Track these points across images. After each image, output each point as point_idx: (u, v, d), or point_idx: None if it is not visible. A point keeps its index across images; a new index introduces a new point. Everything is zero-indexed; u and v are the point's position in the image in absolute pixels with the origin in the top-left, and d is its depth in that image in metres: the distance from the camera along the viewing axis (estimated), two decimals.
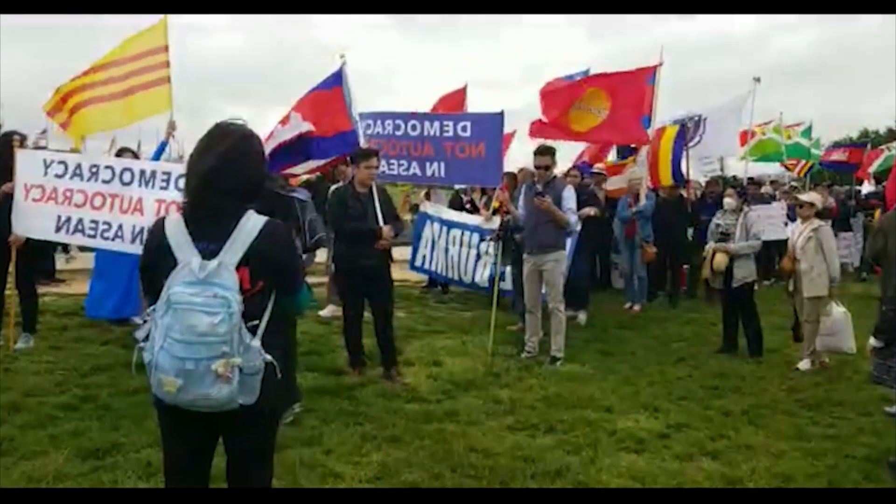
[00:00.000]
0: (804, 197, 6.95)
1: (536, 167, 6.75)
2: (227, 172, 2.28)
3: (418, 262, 9.86)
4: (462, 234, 9.20)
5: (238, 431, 2.35)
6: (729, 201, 7.26)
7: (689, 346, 7.50)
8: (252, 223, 2.30)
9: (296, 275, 2.50)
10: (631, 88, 9.24)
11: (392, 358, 5.80)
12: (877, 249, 5.95)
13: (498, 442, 4.50)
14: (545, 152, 6.67)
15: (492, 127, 6.87)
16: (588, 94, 9.30)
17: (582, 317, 8.54)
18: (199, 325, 2.09)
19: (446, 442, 4.43)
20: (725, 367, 6.62)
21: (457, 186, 10.66)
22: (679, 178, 10.11)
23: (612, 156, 11.89)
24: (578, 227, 8.13)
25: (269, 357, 2.26)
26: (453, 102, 10.80)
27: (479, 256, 8.68)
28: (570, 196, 6.67)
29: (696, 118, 11.05)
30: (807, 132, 16.44)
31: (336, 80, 6.47)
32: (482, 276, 8.60)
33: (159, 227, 2.35)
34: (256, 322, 2.28)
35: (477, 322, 8.13)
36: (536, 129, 9.57)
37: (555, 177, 6.86)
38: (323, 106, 6.44)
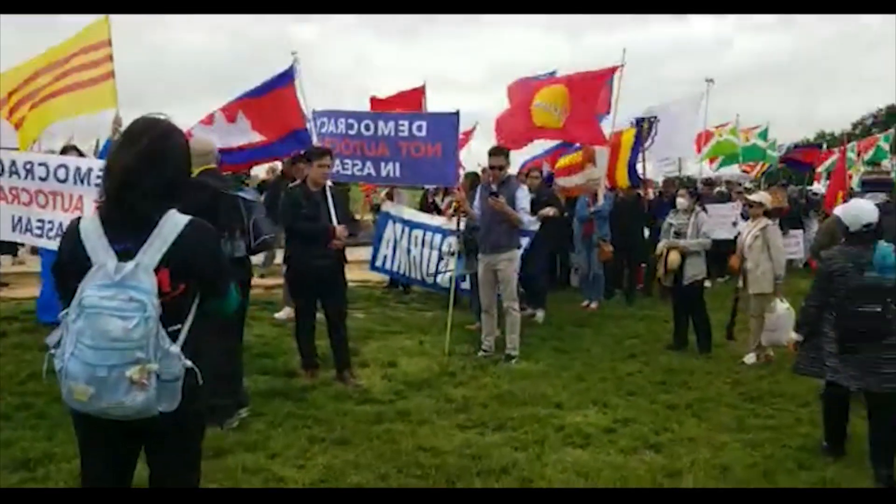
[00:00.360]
0: (753, 197, 7.13)
1: (490, 167, 6.82)
2: (145, 171, 2.22)
3: (379, 263, 9.85)
4: (424, 234, 9.24)
5: (159, 439, 2.28)
6: (681, 201, 7.42)
7: (642, 342, 7.63)
8: (172, 223, 2.24)
9: (221, 277, 2.44)
10: (590, 89, 9.40)
11: (345, 359, 5.80)
12: (822, 245, 6.14)
13: (447, 440, 4.55)
14: (499, 152, 6.75)
15: (447, 127, 6.92)
16: (548, 91, 9.43)
17: (540, 315, 8.65)
18: (113, 330, 2.03)
19: (395, 442, 4.46)
20: (675, 362, 6.76)
21: (427, 187, 10.70)
22: (635, 180, 10.29)
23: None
24: (536, 227, 8.24)
25: (188, 363, 2.19)
26: (410, 101, 10.80)
27: (440, 257, 8.72)
28: (523, 196, 6.75)
29: (652, 118, 11.24)
30: (763, 134, 16.82)
31: (288, 78, 6.46)
32: (443, 276, 8.64)
33: (73, 227, 2.27)
34: (178, 326, 2.23)
35: (436, 322, 8.16)
36: (504, 135, 9.68)
37: (509, 177, 6.93)
38: (275, 107, 6.42)
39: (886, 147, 16.28)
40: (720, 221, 10.03)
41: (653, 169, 12.54)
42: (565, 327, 8.27)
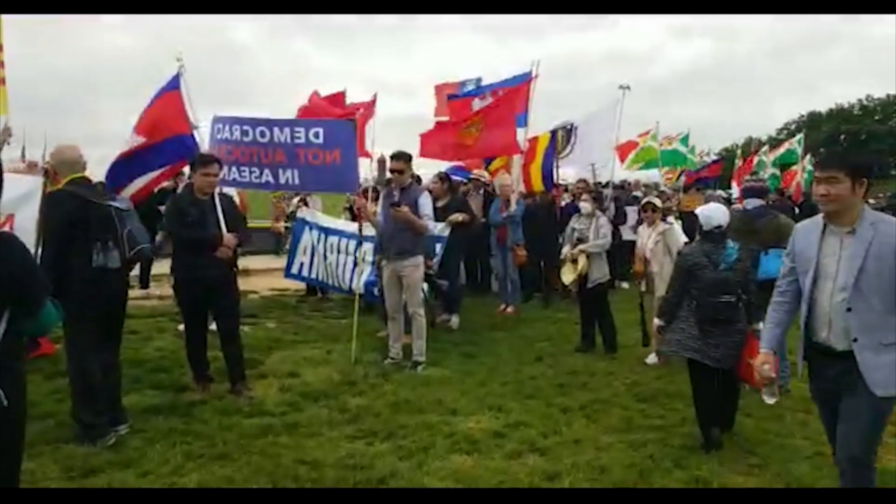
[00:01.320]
0: (653, 201, 7.27)
1: (391, 171, 6.78)
2: None
3: (295, 270, 9.74)
4: (339, 240, 9.17)
5: None
6: (584, 206, 7.52)
7: (552, 345, 7.71)
8: None
9: (31, 293, 2.34)
10: (505, 102, 9.52)
11: (239, 372, 5.67)
12: None
13: (332, 452, 4.48)
14: (399, 157, 6.71)
15: (345, 134, 6.86)
16: (477, 117, 9.57)
17: (455, 320, 8.65)
18: None
19: (277, 456, 4.37)
20: (580, 364, 6.84)
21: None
22: (549, 185, 10.42)
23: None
24: (446, 232, 8.26)
25: None
26: (329, 106, 10.68)
27: (355, 263, 8.64)
28: (425, 202, 6.73)
29: (569, 127, 11.40)
30: (684, 139, 17.30)
31: (174, 84, 6.28)
32: (358, 282, 8.55)
33: None
34: None
35: (349, 330, 8.02)
36: (427, 150, 9.71)
37: (411, 182, 6.90)
38: (159, 112, 6.24)
39: (798, 149, 16.92)
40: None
41: (575, 175, 12.71)
42: (479, 332, 8.30)
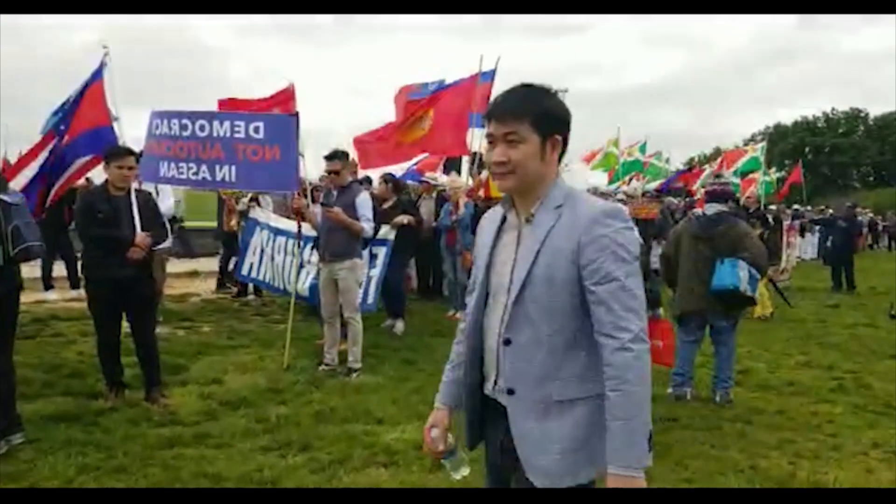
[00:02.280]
0: None
1: (327, 172, 6.52)
2: None
3: (245, 271, 9.38)
4: (286, 241, 8.86)
5: None
6: None
7: None
8: None
9: None
10: (455, 100, 9.33)
11: (154, 378, 5.34)
12: (668, 254, 6.26)
13: (240, 465, 4.18)
14: (335, 157, 6.45)
15: (286, 129, 6.55)
16: (421, 114, 9.38)
17: (399, 325, 8.39)
18: None
19: (177, 469, 4.06)
20: None
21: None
22: None
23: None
24: (391, 235, 7.99)
25: None
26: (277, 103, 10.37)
27: (301, 265, 8.33)
28: (363, 203, 6.47)
29: None
30: (642, 148, 17.32)
31: (97, 75, 5.96)
32: (303, 285, 8.25)
33: None
34: None
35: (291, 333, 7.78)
36: (364, 161, 9.48)
37: (351, 182, 6.64)
38: (83, 105, 5.91)
39: (761, 157, 17.01)
40: None
41: None
42: (423, 338, 8.07)
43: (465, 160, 9.44)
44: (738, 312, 6.04)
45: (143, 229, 5.19)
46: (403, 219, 8.11)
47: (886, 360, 7.60)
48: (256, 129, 6.51)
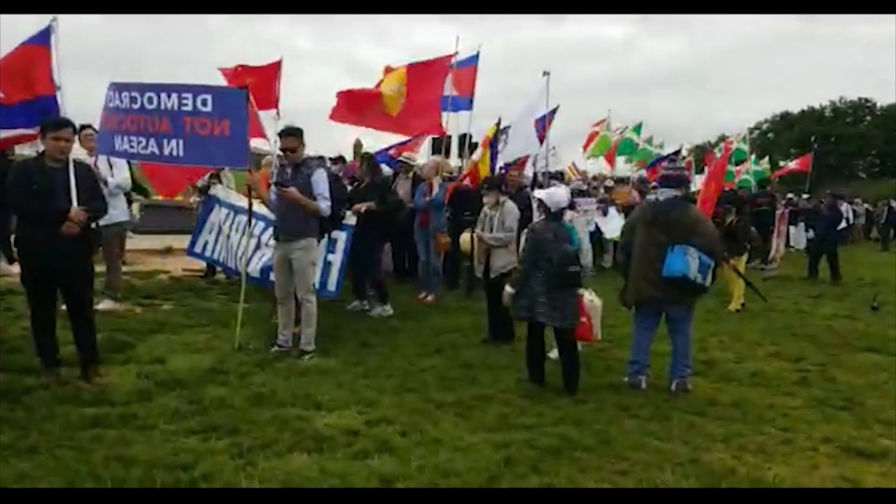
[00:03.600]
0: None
1: (283, 150, 6.33)
2: None
3: (198, 249, 9.14)
4: (245, 220, 8.66)
5: None
6: (485, 199, 7.18)
7: (461, 336, 7.34)
8: None
9: None
10: (427, 78, 9.16)
11: (90, 356, 5.20)
12: (626, 240, 6.08)
13: (158, 449, 4.04)
14: (290, 134, 6.25)
15: (235, 103, 6.34)
16: (388, 76, 9.21)
17: (378, 310, 8.20)
18: None
19: (90, 452, 3.92)
20: (479, 356, 6.48)
21: None
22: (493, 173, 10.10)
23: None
24: (352, 221, 7.76)
25: None
26: (262, 77, 10.16)
27: (258, 246, 8.16)
28: (320, 180, 6.28)
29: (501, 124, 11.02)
30: (637, 129, 17.05)
31: (43, 38, 5.76)
32: (255, 266, 8.09)
33: None
34: None
35: (250, 314, 7.64)
36: (337, 113, 9.32)
37: (306, 159, 6.44)
38: (23, 66, 5.71)
39: (745, 147, 16.73)
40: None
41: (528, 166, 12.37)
42: (388, 320, 7.92)
43: (455, 142, 9.26)
44: (692, 300, 5.87)
45: (80, 203, 5.02)
46: (362, 207, 7.87)
47: (858, 353, 7.41)
48: (204, 102, 6.28)
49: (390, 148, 10.98)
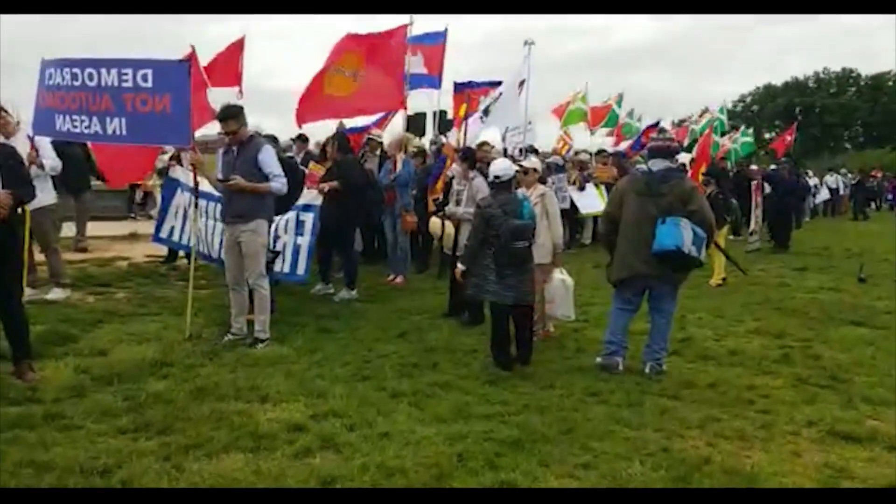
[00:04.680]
0: (526, 163, 6.51)
1: (225, 134, 5.95)
2: None
3: (164, 234, 8.75)
4: (208, 203, 8.26)
5: None
6: (455, 167, 6.86)
7: (428, 318, 7.01)
8: None
9: None
10: (384, 53, 8.79)
11: (21, 351, 4.83)
12: (611, 211, 5.73)
13: (80, 450, 3.68)
14: (227, 117, 5.83)
15: (177, 76, 5.93)
16: (344, 57, 8.83)
17: (344, 294, 7.83)
18: None
19: (4, 456, 3.57)
20: (444, 340, 6.16)
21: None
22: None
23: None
24: (318, 201, 7.38)
25: None
26: (225, 55, 9.70)
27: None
28: (267, 158, 5.87)
29: (497, 95, 10.64)
30: (620, 102, 16.68)
31: None
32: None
33: None
34: None
35: (207, 300, 7.29)
36: (300, 114, 8.98)
37: (251, 137, 6.01)
38: None
39: (723, 118, 16.43)
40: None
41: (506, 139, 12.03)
42: (352, 304, 7.56)
43: (430, 119, 8.91)
44: (682, 277, 5.54)
45: (4, 186, 4.62)
46: (325, 186, 7.49)
47: (844, 326, 7.14)
48: (145, 78, 5.93)
49: (366, 128, 10.60)
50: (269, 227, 6.16)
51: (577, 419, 4.37)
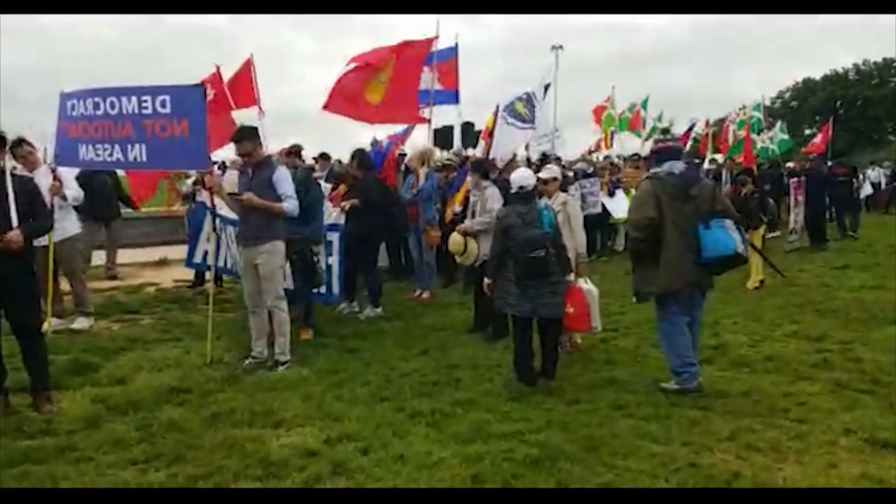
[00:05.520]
0: (544, 174, 6.32)
1: (239, 155, 5.95)
2: None
3: (199, 258, 8.80)
4: (233, 229, 8.28)
5: None
6: (470, 178, 6.75)
7: (453, 333, 6.88)
8: None
9: None
10: (411, 66, 8.79)
11: (40, 383, 4.83)
12: (643, 217, 5.06)
13: (87, 485, 3.64)
14: (241, 139, 5.82)
15: (193, 102, 5.97)
16: (383, 64, 8.87)
17: (368, 311, 7.75)
18: None
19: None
20: (469, 355, 6.03)
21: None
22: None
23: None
24: (342, 220, 7.36)
25: None
26: (238, 77, 9.80)
27: None
28: (282, 179, 5.85)
29: (524, 96, 10.45)
30: (644, 104, 16.41)
31: None
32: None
33: None
34: None
35: (229, 325, 7.27)
36: (331, 104, 9.02)
37: (266, 158, 6.02)
38: None
39: (759, 115, 15.98)
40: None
41: (530, 148, 11.88)
42: (377, 321, 7.47)
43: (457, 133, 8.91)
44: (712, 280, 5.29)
45: (19, 218, 4.65)
46: (346, 204, 7.45)
47: (887, 326, 6.77)
48: (163, 104, 6.02)
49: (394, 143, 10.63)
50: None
51: (602, 435, 4.19)
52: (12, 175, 4.84)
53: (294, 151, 7.93)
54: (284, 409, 4.74)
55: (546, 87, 10.51)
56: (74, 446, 4.15)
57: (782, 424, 4.34)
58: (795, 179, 12.56)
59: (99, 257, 10.06)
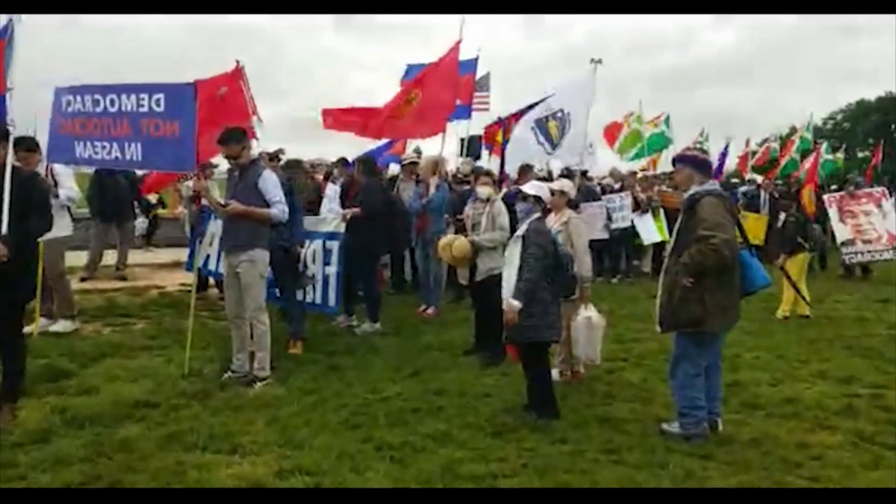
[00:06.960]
0: (554, 185, 5.90)
1: (226, 157, 5.70)
2: None
3: (199, 262, 8.60)
4: None
5: None
6: (481, 190, 6.39)
7: (449, 355, 6.48)
8: None
9: None
10: (442, 80, 8.54)
11: (8, 392, 4.60)
12: (730, 240, 4.31)
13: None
14: (227, 141, 5.55)
15: (184, 101, 5.74)
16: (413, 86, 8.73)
17: (365, 327, 7.41)
18: None
19: None
20: (458, 381, 5.62)
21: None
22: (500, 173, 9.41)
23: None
24: (342, 229, 7.07)
25: None
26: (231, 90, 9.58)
27: None
28: (268, 184, 5.58)
29: (558, 113, 10.01)
30: (667, 121, 15.79)
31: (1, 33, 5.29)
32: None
33: None
34: None
35: (223, 333, 6.99)
36: (331, 120, 8.80)
37: (254, 161, 5.74)
38: None
39: (809, 136, 15.25)
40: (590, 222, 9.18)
41: (560, 163, 11.44)
42: (372, 339, 7.10)
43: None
44: None
45: (18, 216, 4.45)
46: (347, 213, 7.15)
47: None
48: (158, 102, 5.87)
49: (387, 147, 10.34)
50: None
51: (581, 484, 3.74)
52: (14, 169, 4.63)
53: (273, 156, 7.71)
54: (245, 432, 4.42)
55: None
56: (15, 462, 3.89)
57: (792, 482, 3.83)
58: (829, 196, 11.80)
59: (110, 257, 10.00)
